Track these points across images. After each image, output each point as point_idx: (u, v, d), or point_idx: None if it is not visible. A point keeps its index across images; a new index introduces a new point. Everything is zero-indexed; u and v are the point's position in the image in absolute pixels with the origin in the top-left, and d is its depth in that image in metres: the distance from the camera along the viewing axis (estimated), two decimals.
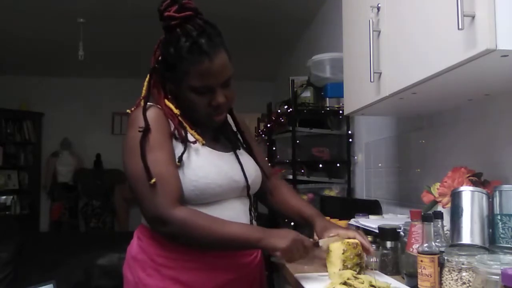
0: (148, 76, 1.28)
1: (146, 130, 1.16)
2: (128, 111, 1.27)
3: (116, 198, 6.17)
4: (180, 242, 1.19)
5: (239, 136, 1.40)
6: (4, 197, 5.90)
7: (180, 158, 1.18)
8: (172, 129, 1.22)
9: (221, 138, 1.33)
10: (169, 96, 1.26)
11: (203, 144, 1.23)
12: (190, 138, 1.23)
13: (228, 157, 1.29)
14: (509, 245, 1.05)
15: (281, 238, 1.14)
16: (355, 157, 2.82)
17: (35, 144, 6.26)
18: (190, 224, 1.14)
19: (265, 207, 1.61)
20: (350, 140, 2.81)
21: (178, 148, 1.20)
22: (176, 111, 1.23)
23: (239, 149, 1.35)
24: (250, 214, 1.33)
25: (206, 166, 1.21)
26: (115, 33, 4.48)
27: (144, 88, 1.27)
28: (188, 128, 1.24)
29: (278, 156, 3.14)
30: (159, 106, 1.24)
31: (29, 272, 3.02)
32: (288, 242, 1.13)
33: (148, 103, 1.24)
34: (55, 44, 4.82)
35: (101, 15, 3.98)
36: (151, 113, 1.20)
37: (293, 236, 1.15)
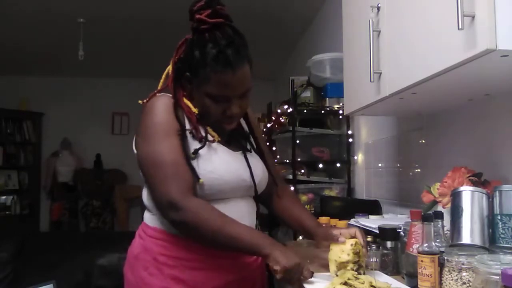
0: (169, 70, 1.28)
1: (183, 131, 1.19)
2: (140, 102, 1.29)
3: (116, 198, 6.17)
4: (186, 232, 1.17)
5: (251, 139, 1.39)
6: (4, 197, 5.91)
7: (196, 151, 1.19)
8: (189, 126, 1.23)
9: (232, 138, 1.33)
10: (184, 93, 1.27)
11: (217, 141, 1.25)
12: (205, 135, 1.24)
13: (238, 156, 1.30)
14: (509, 245, 1.04)
15: (286, 256, 1.12)
16: (355, 157, 2.82)
17: (35, 144, 6.27)
18: (203, 215, 1.13)
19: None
20: (350, 140, 2.81)
21: (194, 144, 1.21)
22: (194, 110, 1.24)
23: (249, 151, 1.35)
24: (256, 217, 1.34)
25: (216, 162, 1.21)
26: (115, 33, 4.47)
27: (162, 81, 1.30)
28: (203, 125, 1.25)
29: (278, 156, 3.14)
30: (170, 95, 1.25)
31: (29, 272, 3.02)
32: (291, 263, 1.11)
33: (162, 93, 1.26)
34: (55, 44, 4.82)
35: (101, 15, 3.98)
36: (168, 103, 1.23)
37: (297, 260, 1.14)
